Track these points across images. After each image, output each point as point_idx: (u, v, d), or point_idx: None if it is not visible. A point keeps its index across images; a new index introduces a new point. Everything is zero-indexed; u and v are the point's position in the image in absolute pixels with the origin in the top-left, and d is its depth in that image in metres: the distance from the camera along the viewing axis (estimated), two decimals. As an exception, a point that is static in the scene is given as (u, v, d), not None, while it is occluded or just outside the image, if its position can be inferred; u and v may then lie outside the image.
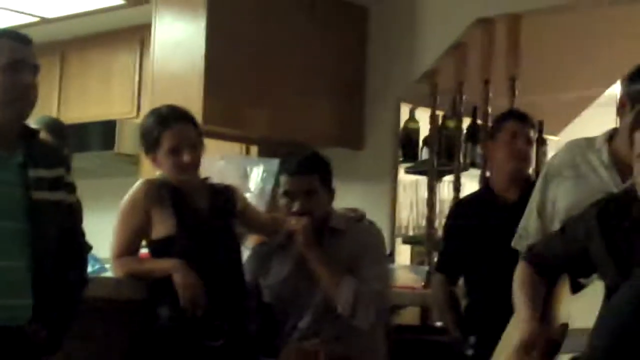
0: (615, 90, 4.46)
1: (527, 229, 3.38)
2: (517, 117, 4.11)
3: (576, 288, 2.74)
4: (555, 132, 6.41)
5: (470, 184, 5.42)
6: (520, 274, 2.84)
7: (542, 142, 5.55)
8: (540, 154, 5.45)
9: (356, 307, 3.48)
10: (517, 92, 5.24)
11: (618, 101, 3.08)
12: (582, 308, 2.57)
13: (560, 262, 2.75)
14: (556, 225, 3.13)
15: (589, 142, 3.21)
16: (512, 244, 3.44)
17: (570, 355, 2.44)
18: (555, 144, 5.59)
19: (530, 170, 4.18)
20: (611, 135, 3.13)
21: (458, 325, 4.03)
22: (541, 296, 2.76)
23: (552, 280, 2.80)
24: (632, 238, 2.49)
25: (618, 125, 3.13)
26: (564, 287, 2.74)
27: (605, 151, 3.11)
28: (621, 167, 3.02)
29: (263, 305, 3.65)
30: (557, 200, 3.22)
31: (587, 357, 1.64)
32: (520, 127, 4.04)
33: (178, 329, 3.28)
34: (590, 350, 1.73)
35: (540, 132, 5.52)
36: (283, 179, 3.61)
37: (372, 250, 3.67)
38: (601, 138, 3.17)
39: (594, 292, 2.54)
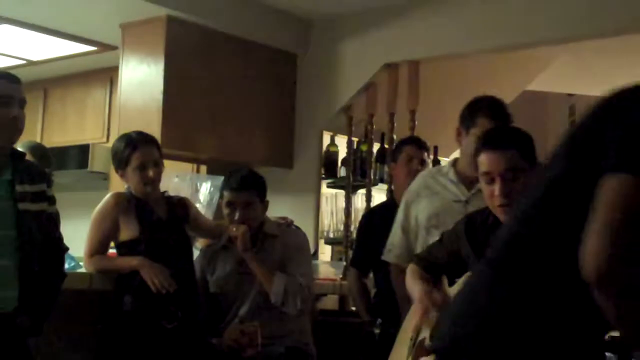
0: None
1: (393, 244, 3.45)
2: (414, 143, 4.15)
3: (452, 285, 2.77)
4: (448, 155, 6.47)
5: (379, 196, 5.47)
6: (409, 271, 2.82)
7: (437, 163, 5.62)
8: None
9: (286, 297, 3.50)
10: (416, 122, 5.29)
11: (455, 130, 3.20)
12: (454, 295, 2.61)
13: (440, 265, 2.76)
14: (420, 236, 3.27)
15: (438, 169, 3.40)
16: (382, 257, 3.51)
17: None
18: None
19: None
20: (454, 162, 3.29)
21: (368, 310, 4.05)
22: (429, 282, 2.71)
23: (436, 279, 2.77)
24: (488, 240, 2.56)
25: (458, 150, 3.30)
26: (444, 285, 2.75)
27: (452, 172, 3.25)
28: (465, 182, 3.18)
29: (209, 295, 3.66)
30: (419, 215, 3.31)
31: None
32: (416, 151, 4.07)
33: (140, 313, 3.27)
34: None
35: (436, 154, 5.59)
36: (226, 193, 3.61)
37: (299, 251, 3.69)
38: (447, 164, 3.34)
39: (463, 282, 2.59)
